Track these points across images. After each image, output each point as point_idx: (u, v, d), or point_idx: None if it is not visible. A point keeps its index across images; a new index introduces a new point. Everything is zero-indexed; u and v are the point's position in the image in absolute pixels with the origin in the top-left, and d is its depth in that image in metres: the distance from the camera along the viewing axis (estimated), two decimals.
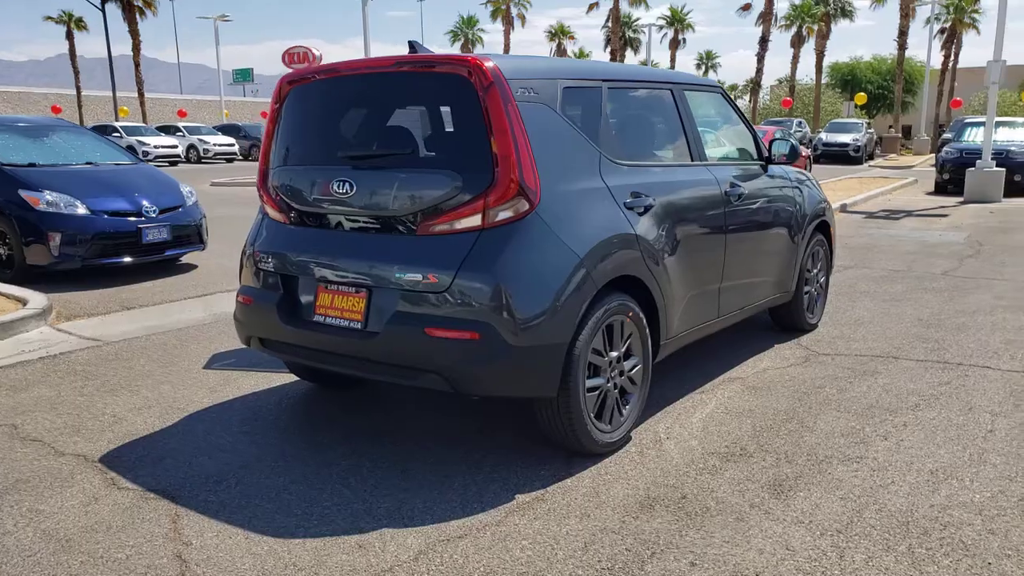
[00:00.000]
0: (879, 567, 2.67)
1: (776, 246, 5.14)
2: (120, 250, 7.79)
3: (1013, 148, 18.19)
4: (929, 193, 18.46)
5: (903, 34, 41.38)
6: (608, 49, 53.25)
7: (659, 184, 3.94)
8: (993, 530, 2.92)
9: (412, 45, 3.83)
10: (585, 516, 3.07)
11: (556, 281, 3.23)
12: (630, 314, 3.61)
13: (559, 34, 57.87)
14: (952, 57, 50.82)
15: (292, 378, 4.80)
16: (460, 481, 3.38)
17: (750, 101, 55.99)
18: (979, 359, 5.11)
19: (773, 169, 5.23)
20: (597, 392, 3.51)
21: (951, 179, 18.12)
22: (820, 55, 52.11)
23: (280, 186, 3.83)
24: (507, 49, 52.48)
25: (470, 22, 58.02)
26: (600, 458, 3.58)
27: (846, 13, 52.95)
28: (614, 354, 3.59)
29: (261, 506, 3.18)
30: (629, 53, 58.81)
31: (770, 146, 5.21)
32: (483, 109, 3.20)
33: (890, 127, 45.04)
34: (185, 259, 9.02)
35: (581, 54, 64.39)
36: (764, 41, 49.23)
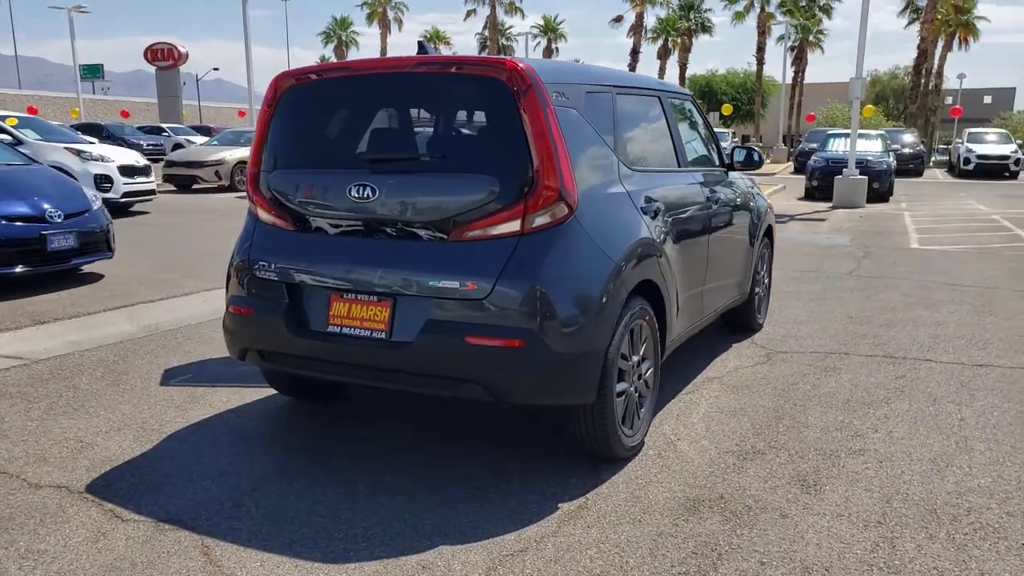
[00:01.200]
0: (931, 554, 2.82)
1: (740, 249, 5.34)
2: (20, 258, 7.06)
3: (870, 158, 19.81)
4: (800, 199, 19.74)
5: (760, 50, 44.17)
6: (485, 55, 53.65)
7: (663, 189, 4.01)
8: (1011, 512, 3.14)
9: (421, 46, 3.70)
10: (637, 521, 3.06)
11: (596, 287, 3.21)
12: (647, 317, 3.64)
13: (434, 39, 57.76)
14: (800, 73, 54.66)
15: (264, 392, 4.52)
16: (495, 493, 3.28)
17: None
18: (918, 353, 5.50)
19: (731, 175, 5.43)
20: (623, 396, 3.51)
21: (819, 186, 19.50)
22: (683, 67, 54.89)
23: (281, 190, 3.60)
24: (384, 52, 51.83)
25: (344, 24, 56.92)
26: (623, 463, 3.58)
27: (706, 28, 55.99)
28: (635, 358, 3.60)
29: (297, 531, 2.97)
30: None
31: (732, 153, 5.41)
32: (520, 112, 3.13)
33: (751, 137, 47.88)
34: (87, 268, 8.30)
35: None
36: (635, 52, 51.20)
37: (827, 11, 52.84)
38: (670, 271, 3.87)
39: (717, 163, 5.28)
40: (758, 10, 47.29)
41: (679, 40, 52.46)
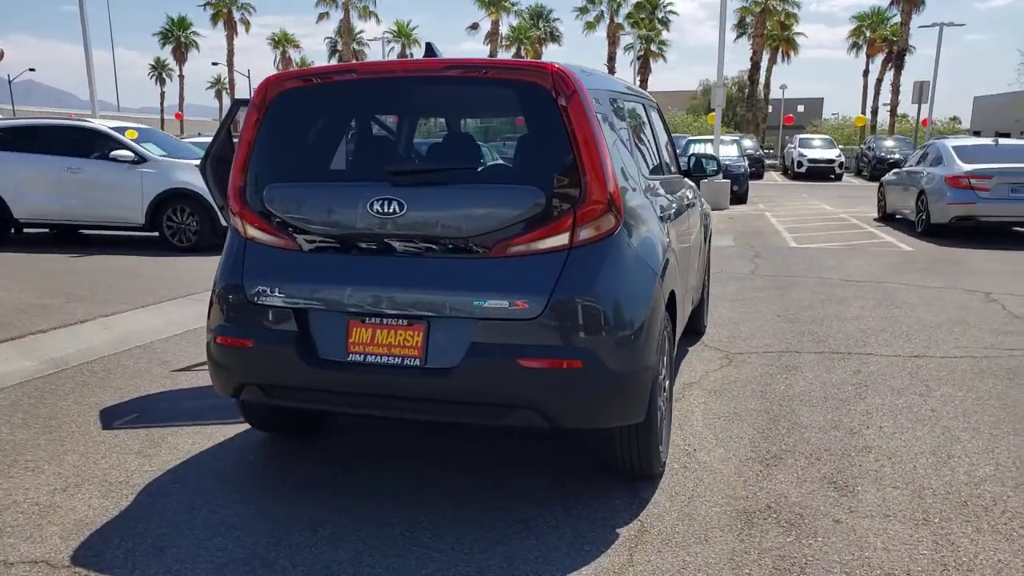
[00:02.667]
0: (988, 548, 2.91)
1: (700, 252, 5.42)
2: None
3: (729, 162, 20.97)
4: None
5: (612, 59, 45.89)
6: (339, 60, 52.35)
7: (666, 196, 3.96)
8: None
9: (430, 47, 3.44)
10: (704, 541, 2.96)
11: (646, 300, 3.09)
12: (668, 329, 3.57)
13: (283, 42, 55.75)
14: (644, 82, 57.31)
15: (231, 429, 4.07)
16: (546, 524, 3.09)
17: None
18: (857, 347, 5.79)
19: (685, 181, 5.49)
20: (659, 412, 3.42)
21: None
22: None
23: (279, 205, 3.22)
24: (231, 55, 49.37)
25: (182, 24, 53.70)
26: (655, 479, 3.48)
27: (554, 37, 57.59)
28: (664, 371, 3.52)
29: None
30: None
31: (689, 160, 5.47)
32: (565, 119, 2.95)
33: None
34: None
35: (304, 64, 62.54)
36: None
37: (665, 23, 55.83)
38: (678, 279, 3.83)
39: (675, 168, 5.32)
40: (608, 21, 49.16)
41: (531, 48, 53.54)
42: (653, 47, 54.74)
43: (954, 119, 65.02)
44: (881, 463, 3.67)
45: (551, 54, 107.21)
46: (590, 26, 49.94)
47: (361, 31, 59.37)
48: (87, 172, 10.64)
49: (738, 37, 55.23)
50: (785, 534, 3.01)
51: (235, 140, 4.83)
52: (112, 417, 4.27)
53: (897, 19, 49.73)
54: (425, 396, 3.04)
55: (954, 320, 6.69)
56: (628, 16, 50.27)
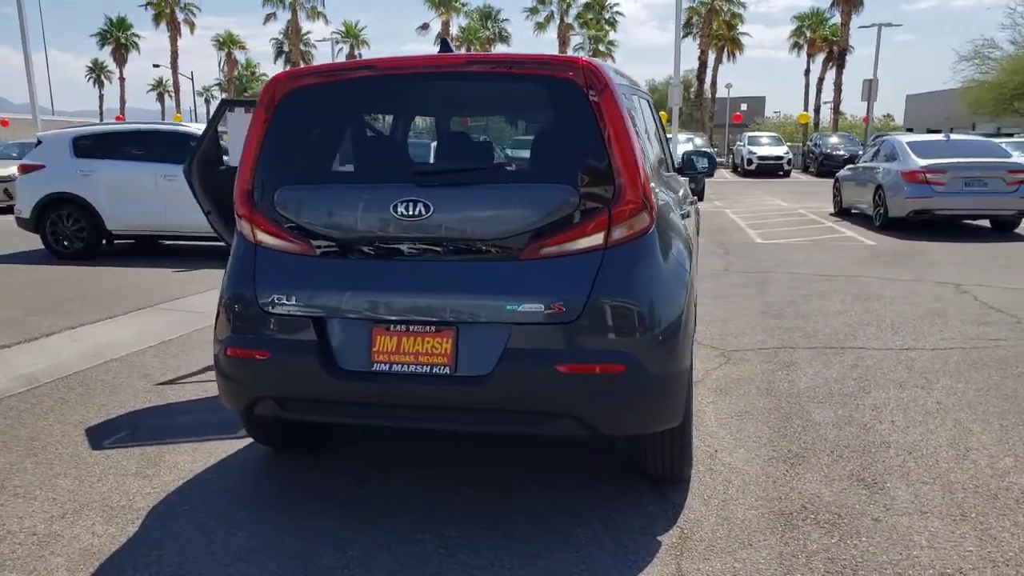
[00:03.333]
0: None
1: (697, 250, 5.37)
2: None
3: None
4: None
5: None
6: (286, 61, 51.49)
7: (680, 192, 3.89)
8: None
9: (445, 43, 3.30)
10: (748, 545, 2.89)
11: (680, 299, 3.00)
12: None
13: (228, 43, 54.56)
14: None
15: (231, 445, 3.87)
16: (584, 535, 2.98)
17: None
18: (849, 342, 5.83)
19: (680, 178, 5.44)
20: (691, 414, 3.34)
21: None
22: None
23: (293, 209, 3.05)
24: (175, 56, 48.09)
25: (122, 25, 52.11)
26: (682, 483, 3.40)
27: (503, 38, 57.60)
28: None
29: None
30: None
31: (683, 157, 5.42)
32: (597, 115, 2.85)
33: None
34: None
35: (249, 65, 61.43)
36: None
37: (612, 24, 56.34)
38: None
39: (671, 165, 5.27)
40: (558, 21, 49.35)
41: (481, 49, 53.44)
42: (601, 47, 55.14)
43: (888, 116, 67.13)
44: (903, 458, 3.66)
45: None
46: (541, 26, 50.13)
47: (308, 32, 58.54)
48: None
49: (684, 36, 56.01)
50: (827, 535, 2.95)
51: (222, 141, 4.63)
52: (101, 436, 4.02)
53: (837, 20, 51.00)
54: (456, 406, 2.91)
55: (933, 312, 6.79)
56: (578, 16, 50.61)
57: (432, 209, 2.86)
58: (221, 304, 3.19)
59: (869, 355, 5.44)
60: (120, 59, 56.27)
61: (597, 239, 2.84)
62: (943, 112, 45.23)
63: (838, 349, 5.62)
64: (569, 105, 2.90)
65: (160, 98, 71.25)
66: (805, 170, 35.17)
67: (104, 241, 10.44)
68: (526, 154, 3.20)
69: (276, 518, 3.14)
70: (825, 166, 31.46)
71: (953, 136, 15.07)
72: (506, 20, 58.10)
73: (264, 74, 67.46)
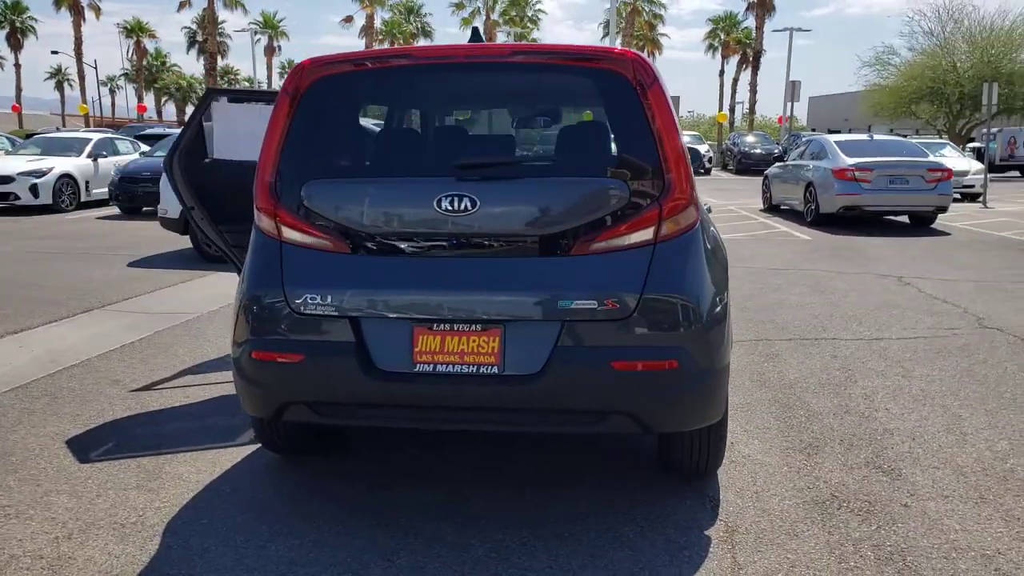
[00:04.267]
0: None
1: None
2: None
3: None
4: None
5: None
6: (200, 52, 49.62)
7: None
8: None
9: (476, 32, 3.20)
10: (794, 535, 2.92)
11: (723, 294, 3.00)
12: None
13: (136, 31, 52.16)
14: None
15: (235, 453, 3.67)
16: (631, 532, 2.94)
17: None
18: (820, 333, 6.00)
19: None
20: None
21: None
22: None
23: (324, 203, 2.91)
24: (79, 43, 45.60)
25: (17, 8, 49.11)
26: (710, 478, 3.42)
27: (427, 33, 57.17)
28: None
29: None
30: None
31: None
32: (646, 109, 2.81)
33: None
34: None
35: (159, 55, 58.98)
36: None
37: (535, 22, 56.76)
38: None
39: None
40: (484, 17, 49.26)
41: (406, 43, 52.85)
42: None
43: (791, 117, 69.89)
44: (909, 445, 3.78)
45: None
46: (466, 22, 49.89)
47: (224, 21, 56.58)
48: None
49: (605, 36, 56.82)
50: (865, 523, 3.01)
51: (207, 133, 4.39)
52: (85, 448, 3.75)
53: (750, 23, 52.72)
54: (505, 406, 2.84)
55: (887, 303, 7.07)
56: (503, 13, 50.66)
57: (479, 204, 2.77)
58: (240, 305, 3.00)
59: (844, 345, 5.61)
60: (15, 44, 52.95)
61: (647, 234, 2.81)
62: (843, 114, 47.40)
63: (813, 340, 5.77)
64: (618, 98, 2.86)
65: (59, 87, 67.53)
66: (724, 167, 36.18)
67: None
68: (570, 147, 3.13)
69: (308, 529, 2.98)
70: (743, 164, 32.49)
71: (877, 137, 15.79)
72: (429, 15, 57.66)
73: (176, 64, 64.87)
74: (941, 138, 26.29)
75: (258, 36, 54.54)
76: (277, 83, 64.24)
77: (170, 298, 7.25)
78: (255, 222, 3.08)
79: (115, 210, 14.78)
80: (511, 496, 3.23)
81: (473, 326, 2.81)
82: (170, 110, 66.46)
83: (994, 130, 23.94)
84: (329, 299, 2.85)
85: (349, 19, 51.83)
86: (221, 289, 7.34)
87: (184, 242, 9.68)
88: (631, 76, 2.82)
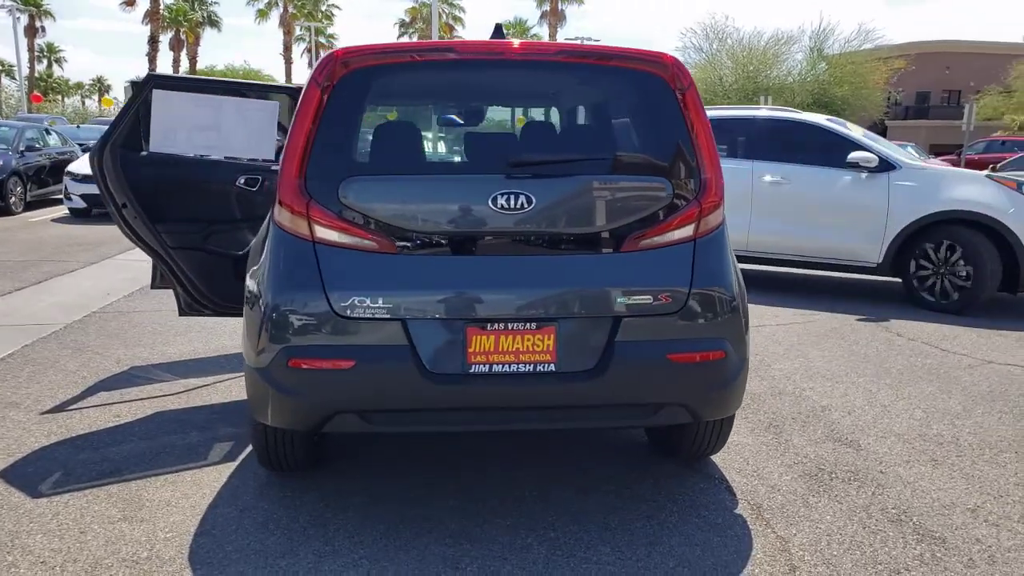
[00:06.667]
0: (998, 474, 3.53)
1: None
2: None
3: None
4: None
5: (288, 49, 44.35)
6: None
7: None
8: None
9: (499, 29, 3.14)
10: (810, 507, 3.17)
11: (743, 286, 3.20)
12: None
13: None
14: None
15: (216, 471, 3.35)
16: (671, 517, 3.05)
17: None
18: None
19: None
20: None
21: None
22: (193, 60, 52.23)
23: (367, 202, 2.74)
24: None
25: None
26: (707, 460, 3.61)
27: (213, 23, 53.91)
28: None
29: None
30: None
31: None
32: (684, 110, 2.93)
33: None
34: None
35: None
36: (154, 41, 46.71)
37: (329, 17, 55.58)
38: None
39: None
40: (282, 10, 47.23)
41: (191, 32, 49.44)
42: (322, 39, 53.91)
43: None
44: (849, 419, 4.21)
45: (210, 39, 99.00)
46: (262, 13, 47.63)
47: None
48: (807, 184, 7.43)
49: (401, 36, 56.81)
50: (861, 489, 3.35)
51: (149, 123, 3.95)
52: (26, 482, 3.23)
53: (542, 30, 55.02)
54: (562, 403, 2.84)
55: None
56: (301, 7, 48.90)
57: (534, 202, 2.76)
58: (266, 309, 2.75)
59: (761, 332, 6.08)
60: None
61: (688, 231, 2.93)
62: None
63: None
64: (659, 100, 2.95)
65: None
66: None
67: None
68: (614, 146, 3.17)
69: (349, 546, 2.80)
70: None
71: None
72: (215, 4, 54.35)
73: None
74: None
75: (18, 15, 48.52)
76: (39, 68, 57.49)
77: (16, 309, 6.35)
78: (274, 222, 2.84)
79: None
80: (537, 496, 3.22)
81: (528, 324, 2.79)
82: None
83: None
84: (380, 301, 2.70)
85: (131, 2, 47.41)
86: (68, 297, 6.64)
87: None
88: (671, 79, 2.94)
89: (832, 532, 2.98)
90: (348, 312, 2.69)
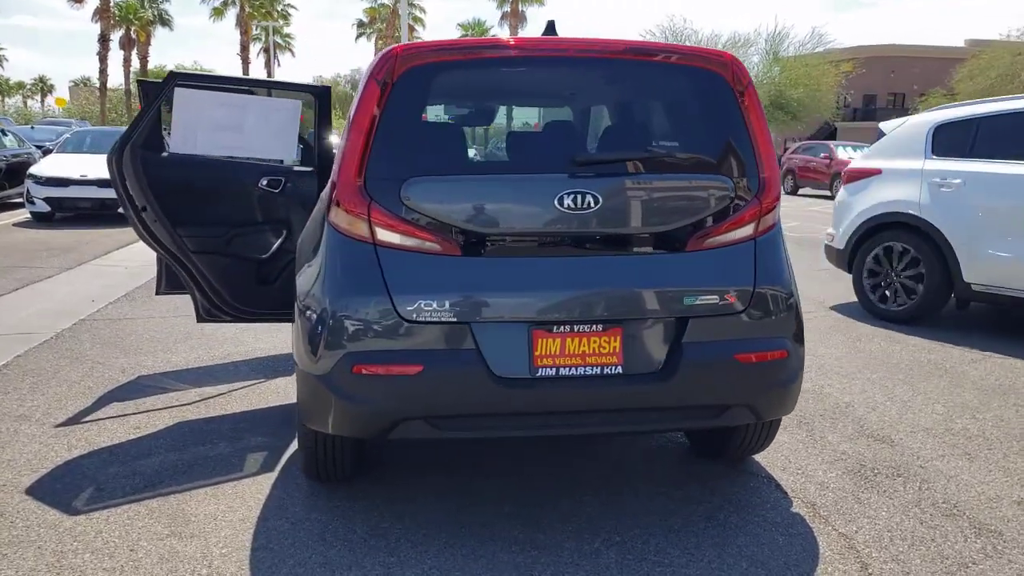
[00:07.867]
0: (984, 471, 3.62)
1: None
2: None
3: None
4: None
5: (245, 48, 43.58)
6: None
7: None
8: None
9: (551, 26, 3.09)
10: (862, 503, 3.17)
11: (796, 286, 3.19)
12: None
13: None
14: (271, 74, 55.44)
15: (255, 483, 3.23)
16: (731, 518, 3.03)
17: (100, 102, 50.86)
18: None
19: None
20: None
21: None
22: (144, 60, 51.08)
23: (431, 204, 2.67)
24: None
25: None
26: (749, 460, 3.61)
27: (165, 21, 52.78)
28: None
29: None
30: None
31: None
32: (744, 110, 2.92)
33: None
34: None
35: None
36: (105, 40, 45.42)
37: (285, 16, 54.83)
38: None
39: None
40: (239, 9, 46.38)
41: (143, 31, 48.28)
42: (279, 39, 53.19)
43: None
44: (875, 415, 4.24)
45: (162, 38, 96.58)
46: (218, 12, 46.67)
47: None
48: None
49: (359, 37, 56.36)
50: (907, 484, 3.36)
51: (168, 123, 3.81)
52: (62, 499, 3.08)
53: (503, 31, 55.02)
54: (629, 406, 2.80)
55: None
56: (259, 7, 48.10)
57: (601, 201, 2.71)
58: (324, 314, 2.66)
59: None
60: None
61: (749, 230, 2.92)
62: None
63: None
64: (719, 99, 2.93)
65: None
66: None
67: (955, 301, 6.47)
68: (676, 145, 3.13)
69: (416, 555, 2.72)
70: None
71: None
72: (167, 2, 53.21)
73: None
74: None
75: None
76: None
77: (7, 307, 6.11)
78: (331, 223, 2.75)
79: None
80: (594, 502, 3.17)
81: (594, 326, 2.74)
82: None
83: None
84: (446, 304, 2.63)
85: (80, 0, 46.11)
86: (50, 304, 6.44)
87: None
88: (731, 78, 2.92)
89: (892, 528, 2.99)
90: (414, 316, 2.62)
